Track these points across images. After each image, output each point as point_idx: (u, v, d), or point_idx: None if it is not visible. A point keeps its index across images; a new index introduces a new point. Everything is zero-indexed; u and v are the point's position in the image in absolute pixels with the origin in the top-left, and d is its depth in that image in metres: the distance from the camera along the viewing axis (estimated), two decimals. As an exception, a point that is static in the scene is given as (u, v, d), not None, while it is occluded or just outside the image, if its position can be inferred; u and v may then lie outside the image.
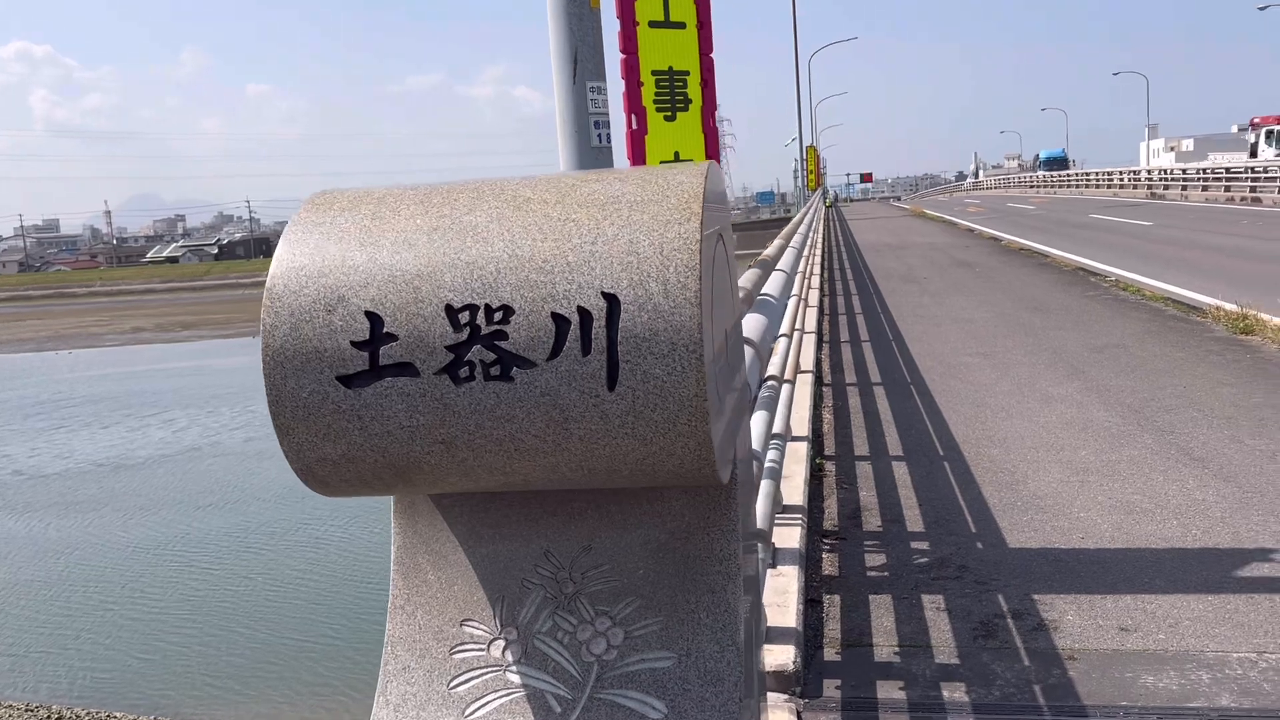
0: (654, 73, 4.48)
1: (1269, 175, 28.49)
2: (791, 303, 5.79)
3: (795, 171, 71.40)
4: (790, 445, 4.41)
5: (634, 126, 4.38)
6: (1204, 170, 34.43)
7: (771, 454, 3.09)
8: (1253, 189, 29.27)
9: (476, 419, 1.22)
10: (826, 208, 59.45)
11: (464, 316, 1.22)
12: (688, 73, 4.66)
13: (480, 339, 1.21)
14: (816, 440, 5.60)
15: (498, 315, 1.21)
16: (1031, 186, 63.46)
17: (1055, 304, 10.43)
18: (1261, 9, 56.83)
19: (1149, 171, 41.36)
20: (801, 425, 5.15)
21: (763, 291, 3.75)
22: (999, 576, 3.53)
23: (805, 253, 11.33)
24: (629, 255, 1.21)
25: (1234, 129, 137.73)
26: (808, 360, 7.03)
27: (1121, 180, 42.79)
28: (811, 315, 9.84)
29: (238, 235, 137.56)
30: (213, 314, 67.93)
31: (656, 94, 4.48)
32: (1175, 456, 4.87)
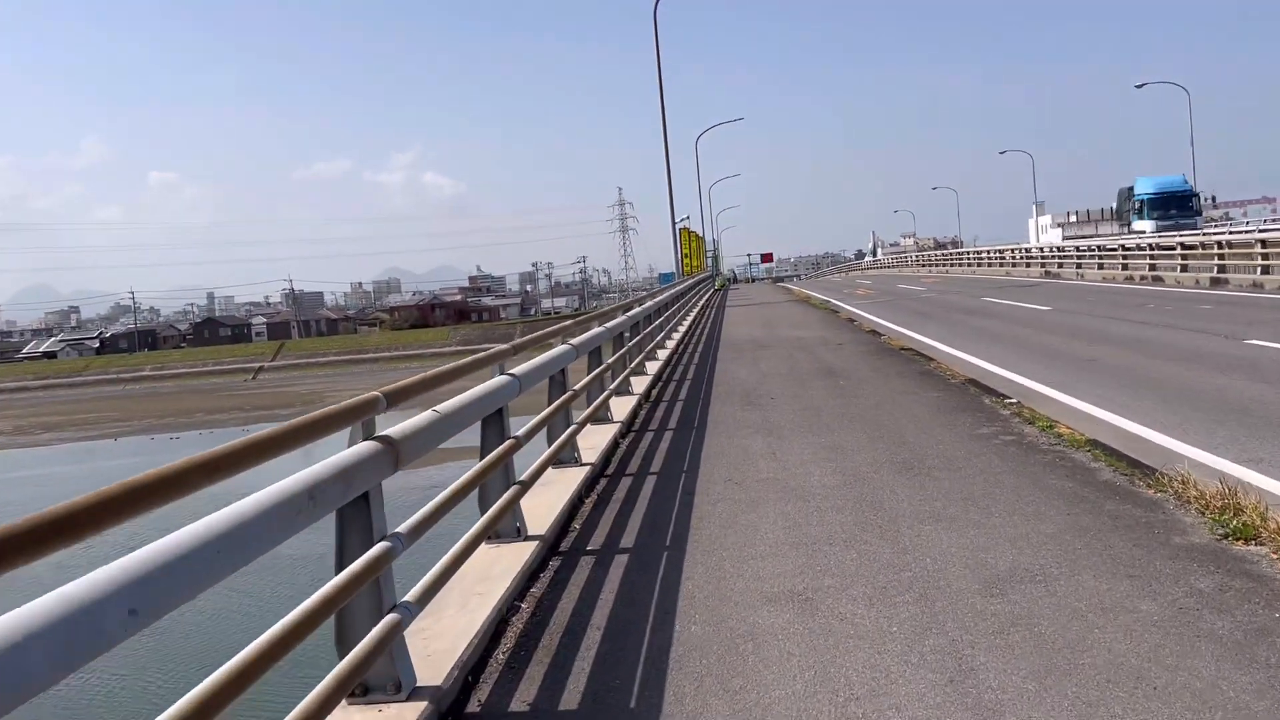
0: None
1: (1163, 249, 26.40)
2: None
3: (709, 253, 68.94)
4: None
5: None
6: (1099, 248, 32.52)
7: None
8: (1152, 267, 27.16)
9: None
10: (716, 290, 56.93)
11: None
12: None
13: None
14: None
15: None
16: (924, 265, 62.19)
17: (934, 455, 7.04)
18: (1139, 87, 57.08)
19: (1041, 248, 39.62)
20: None
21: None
22: None
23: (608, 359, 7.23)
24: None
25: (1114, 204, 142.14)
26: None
27: (1014, 258, 41.03)
28: (557, 495, 6.24)
29: (121, 328, 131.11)
30: (83, 413, 62.13)
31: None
32: None
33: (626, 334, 11.46)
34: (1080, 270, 32.33)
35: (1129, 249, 29.57)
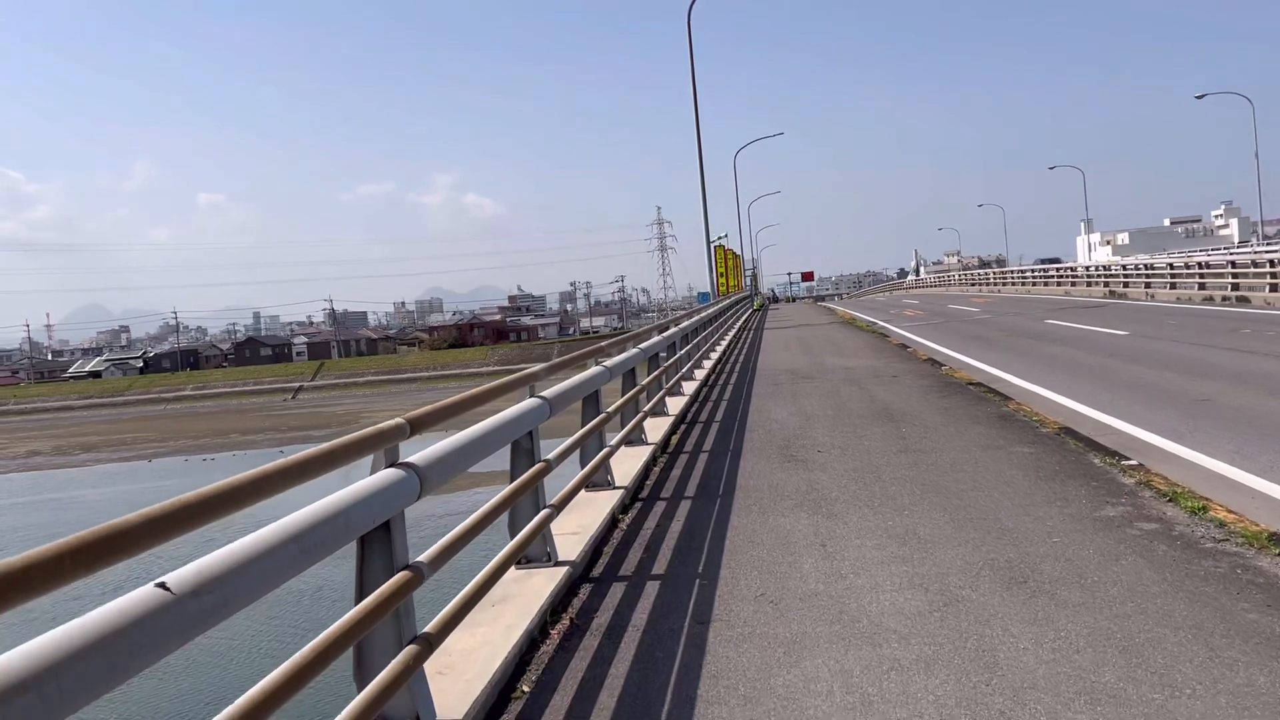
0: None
1: (1256, 268, 23.92)
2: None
3: (747, 270, 66.93)
4: None
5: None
6: (1172, 265, 30.00)
7: None
8: (1235, 286, 24.68)
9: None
10: (755, 310, 54.78)
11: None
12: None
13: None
14: None
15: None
16: (973, 285, 59.68)
17: (1051, 556, 5.00)
18: (1199, 98, 54.31)
19: (1105, 266, 37.05)
20: None
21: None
22: None
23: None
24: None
25: (1166, 222, 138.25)
26: None
27: (1073, 276, 38.52)
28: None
29: (167, 347, 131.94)
30: (121, 433, 61.84)
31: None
32: None
33: (642, 365, 9.64)
34: (1150, 290, 29.85)
35: (1207, 267, 27.08)
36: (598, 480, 7.01)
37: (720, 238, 44.75)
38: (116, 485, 36.97)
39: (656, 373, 10.43)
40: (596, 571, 5.41)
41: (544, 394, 5.67)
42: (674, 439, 9.91)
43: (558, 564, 5.21)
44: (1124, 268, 33.76)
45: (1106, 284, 34.07)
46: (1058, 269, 43.19)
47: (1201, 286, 26.57)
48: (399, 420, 3.45)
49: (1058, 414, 9.90)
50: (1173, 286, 28.53)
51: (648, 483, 7.78)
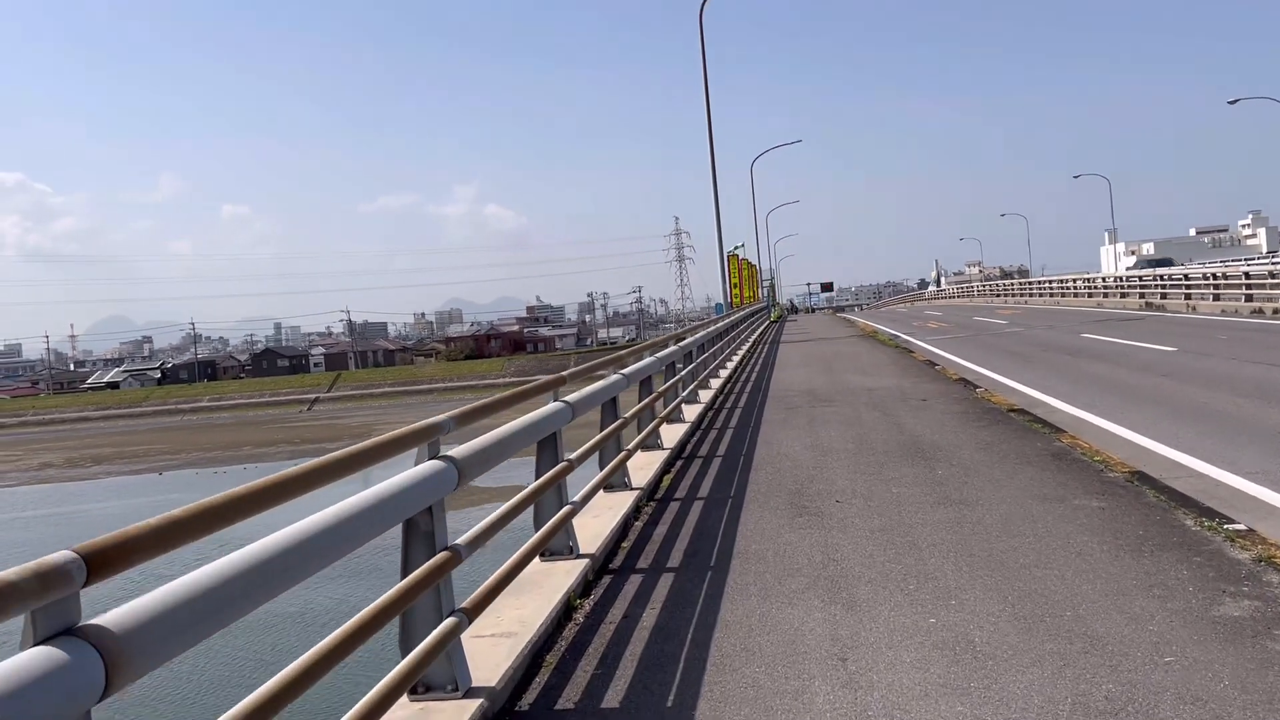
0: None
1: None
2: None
3: (764, 281, 65.30)
4: None
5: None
6: (1214, 275, 28.27)
7: None
8: (1288, 297, 22.98)
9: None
10: (772, 322, 53.14)
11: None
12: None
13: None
14: None
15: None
16: (998, 295, 57.98)
17: (1166, 688, 3.49)
18: (1232, 103, 52.47)
19: (1140, 276, 35.27)
20: None
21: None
22: None
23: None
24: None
25: (1192, 232, 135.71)
26: None
27: (1105, 287, 36.80)
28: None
29: (187, 358, 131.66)
30: (135, 445, 61.08)
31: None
32: None
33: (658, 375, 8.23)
34: (1191, 301, 28.13)
35: (1254, 277, 25.34)
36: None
37: (737, 248, 43.23)
38: (123, 499, 36.18)
39: (641, 405, 9.06)
40: (605, 581, 3.93)
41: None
42: (666, 480, 8.42)
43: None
44: (1160, 277, 31.96)
45: (1142, 294, 32.33)
46: (1086, 279, 41.43)
47: (1249, 298, 24.86)
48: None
49: (1119, 450, 8.38)
50: (1216, 298, 26.82)
51: (624, 544, 6.29)
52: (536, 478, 5.30)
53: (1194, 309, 27.51)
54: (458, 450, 4.07)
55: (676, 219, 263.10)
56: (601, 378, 7.60)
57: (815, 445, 9.58)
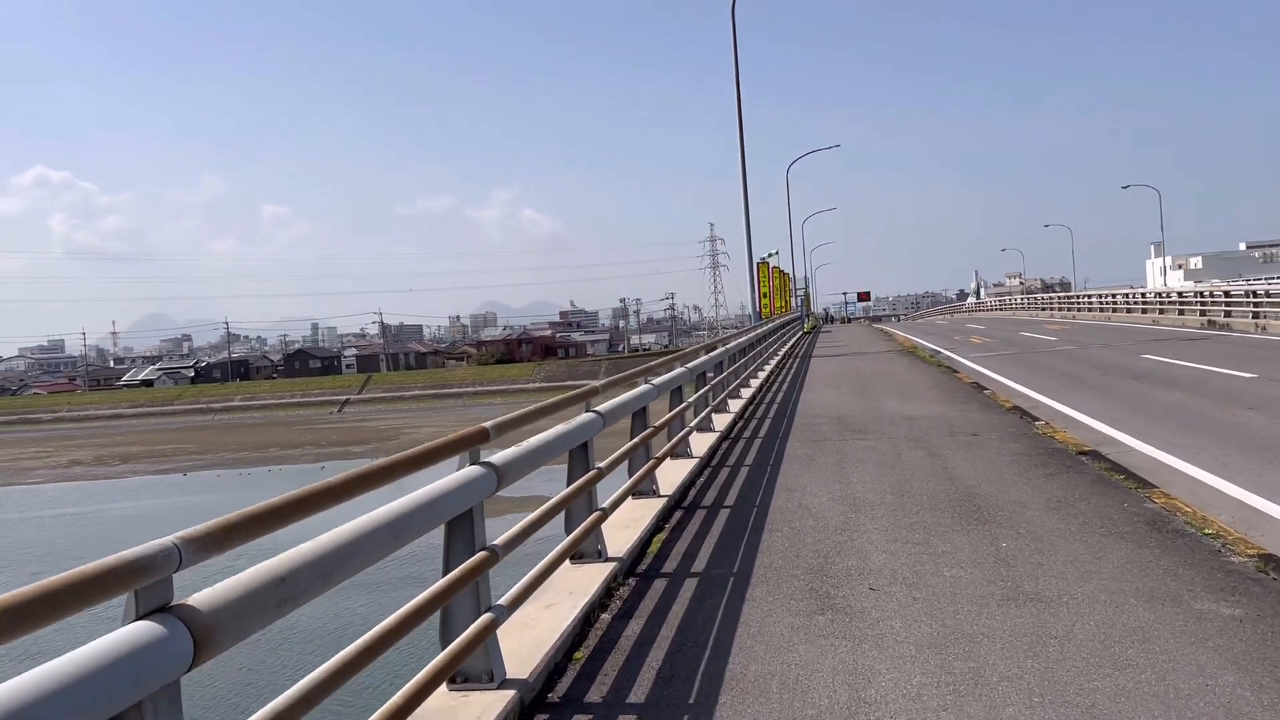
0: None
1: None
2: None
3: (798, 290, 63.38)
4: None
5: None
6: (1288, 292, 26.09)
7: None
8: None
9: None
10: (806, 332, 51.24)
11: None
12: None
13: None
14: None
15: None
16: (1042, 309, 55.63)
17: None
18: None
19: (1200, 292, 33.06)
20: None
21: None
22: None
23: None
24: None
25: (1242, 246, 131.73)
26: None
27: (1161, 303, 34.61)
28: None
29: (220, 357, 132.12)
30: (164, 443, 60.66)
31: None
32: None
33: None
34: (1260, 320, 25.99)
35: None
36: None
37: (770, 255, 41.41)
38: (141, 500, 35.50)
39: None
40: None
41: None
42: (657, 540, 6.75)
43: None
44: (1227, 294, 29.76)
45: (1203, 312, 30.17)
46: (1141, 293, 39.20)
47: (1327, 318, 22.74)
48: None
49: (1229, 513, 6.64)
50: (1289, 317, 24.69)
51: (577, 654, 4.65)
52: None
53: (1264, 329, 25.38)
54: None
55: (711, 225, 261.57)
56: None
57: (845, 497, 7.87)
